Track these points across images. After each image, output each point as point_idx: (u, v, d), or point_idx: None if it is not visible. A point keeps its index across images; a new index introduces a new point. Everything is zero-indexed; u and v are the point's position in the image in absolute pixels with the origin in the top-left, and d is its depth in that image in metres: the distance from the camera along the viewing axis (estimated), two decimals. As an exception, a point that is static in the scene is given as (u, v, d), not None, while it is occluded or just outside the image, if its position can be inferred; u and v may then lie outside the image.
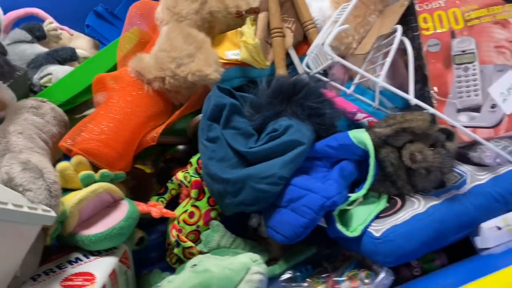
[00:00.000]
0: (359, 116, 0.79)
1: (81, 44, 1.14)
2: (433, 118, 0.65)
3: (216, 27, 0.87)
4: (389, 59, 0.67)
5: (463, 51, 0.73)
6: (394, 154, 0.68)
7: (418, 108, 0.68)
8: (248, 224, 0.75)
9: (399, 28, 0.71)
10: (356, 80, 0.80)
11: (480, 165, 0.72)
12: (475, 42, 0.73)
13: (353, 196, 0.69)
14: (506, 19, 0.73)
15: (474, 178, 0.71)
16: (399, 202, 0.70)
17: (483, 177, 0.71)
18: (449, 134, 0.67)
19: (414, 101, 0.67)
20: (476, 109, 0.73)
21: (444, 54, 0.73)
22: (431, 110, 0.67)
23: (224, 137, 0.71)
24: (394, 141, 0.67)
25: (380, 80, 0.66)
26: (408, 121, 0.66)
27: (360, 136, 0.69)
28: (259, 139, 0.73)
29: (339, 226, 0.66)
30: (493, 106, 0.72)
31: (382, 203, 0.70)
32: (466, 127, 0.72)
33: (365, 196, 0.71)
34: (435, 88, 0.73)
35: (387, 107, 0.84)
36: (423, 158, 0.65)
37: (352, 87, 0.76)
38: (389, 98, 0.84)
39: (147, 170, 0.93)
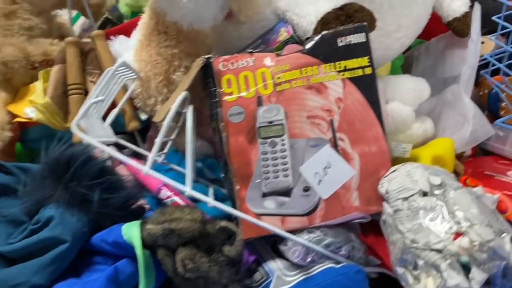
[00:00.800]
0: (163, 194, 0.66)
1: None
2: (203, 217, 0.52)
3: (14, 79, 0.73)
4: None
5: (270, 122, 0.60)
6: (169, 258, 0.54)
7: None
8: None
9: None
10: (165, 150, 0.67)
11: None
12: (284, 111, 0.60)
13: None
14: (321, 82, 0.60)
15: (280, 280, 0.58)
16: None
17: (292, 278, 0.58)
18: (231, 235, 0.53)
19: (188, 192, 0.53)
20: (286, 192, 0.59)
21: (248, 125, 0.60)
22: (218, 205, 0.54)
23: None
24: (165, 242, 0.54)
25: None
26: (175, 220, 0.52)
27: (130, 234, 0.56)
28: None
29: None
30: (306, 189, 0.59)
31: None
32: (273, 215, 0.58)
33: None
34: (235, 168, 0.60)
35: (208, 178, 0.71)
36: (194, 267, 0.52)
37: (149, 162, 0.62)
38: (209, 167, 0.70)
39: None
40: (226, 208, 0.54)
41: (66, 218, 0.57)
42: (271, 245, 0.63)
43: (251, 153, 0.60)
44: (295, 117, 0.60)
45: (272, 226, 0.58)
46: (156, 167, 0.71)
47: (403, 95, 0.70)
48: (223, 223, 0.53)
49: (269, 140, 0.60)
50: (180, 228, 0.51)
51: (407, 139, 0.72)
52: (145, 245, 0.53)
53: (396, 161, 0.70)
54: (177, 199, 0.65)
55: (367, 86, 0.60)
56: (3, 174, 0.64)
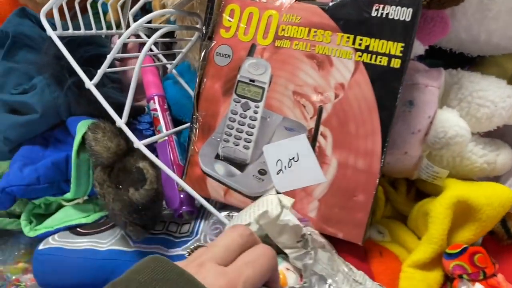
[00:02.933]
0: (151, 104, 0.63)
1: None
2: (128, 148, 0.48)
3: None
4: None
5: (252, 81, 0.49)
6: (101, 173, 0.53)
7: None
8: None
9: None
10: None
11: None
12: (270, 73, 0.47)
13: (66, 195, 0.58)
14: (328, 55, 0.45)
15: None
16: (109, 225, 0.57)
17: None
18: (144, 179, 0.49)
19: (119, 123, 0.49)
20: (240, 166, 0.50)
21: (230, 73, 0.50)
22: (142, 147, 0.48)
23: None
24: (91, 156, 0.52)
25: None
26: (95, 140, 0.50)
27: (78, 130, 0.56)
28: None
29: (22, 222, 0.58)
30: (262, 172, 0.49)
31: (91, 217, 0.58)
32: (219, 182, 0.51)
33: (90, 201, 0.60)
34: (201, 115, 0.52)
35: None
36: (101, 192, 0.50)
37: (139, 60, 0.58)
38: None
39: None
40: (151, 156, 0.48)
41: (45, 91, 0.59)
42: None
43: (221, 106, 0.50)
44: (279, 87, 0.47)
45: (214, 192, 0.51)
46: (169, 75, 0.66)
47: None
48: (142, 165, 0.48)
49: (243, 101, 0.49)
50: (95, 150, 0.48)
51: (457, 163, 0.53)
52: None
53: (423, 184, 0.53)
54: (159, 115, 0.60)
55: (386, 82, 0.43)
56: (33, 24, 0.66)
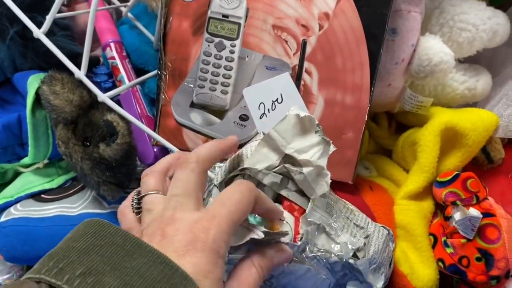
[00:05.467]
0: (108, 52, 0.56)
1: None
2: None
3: None
4: None
5: (225, 16, 0.44)
6: (64, 130, 0.47)
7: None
8: None
9: None
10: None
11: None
12: (246, 6, 0.43)
13: (24, 160, 0.52)
14: (309, -17, 0.40)
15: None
16: (77, 187, 0.52)
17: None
18: (115, 132, 0.44)
19: (78, 75, 0.43)
20: (219, 113, 0.47)
21: (199, 9, 0.45)
22: (107, 100, 0.43)
23: None
24: (49, 112, 0.47)
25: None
26: (54, 93, 0.43)
27: (30, 84, 0.49)
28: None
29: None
30: (244, 118, 0.46)
31: (55, 181, 0.53)
32: (197, 132, 0.47)
33: (51, 165, 0.54)
34: (170, 60, 0.47)
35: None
36: (67, 152, 0.45)
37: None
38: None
39: None
40: (119, 109, 0.43)
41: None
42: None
43: (192, 48, 0.45)
44: (257, 21, 0.43)
45: (192, 143, 0.47)
46: (123, 19, 0.60)
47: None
48: (111, 117, 0.43)
49: (217, 40, 0.44)
50: (55, 104, 0.43)
51: (438, 91, 0.51)
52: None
53: (403, 116, 0.52)
54: (118, 63, 0.54)
55: (373, 9, 0.40)
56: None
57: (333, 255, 0.32)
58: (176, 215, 0.27)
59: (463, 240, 0.43)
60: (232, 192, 0.28)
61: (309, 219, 0.33)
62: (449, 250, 0.44)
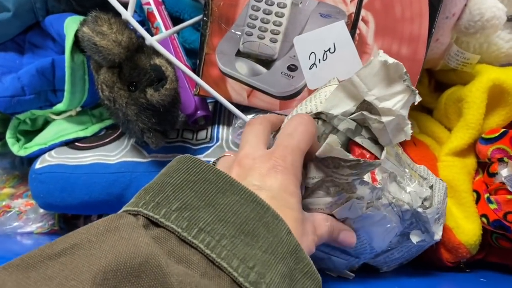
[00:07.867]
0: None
1: None
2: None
3: None
4: None
5: (280, -41, 0.42)
6: (109, 74, 0.45)
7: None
8: None
9: None
10: None
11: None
12: (303, -51, 0.41)
13: (57, 106, 0.50)
14: None
15: (219, 150, 0.49)
16: (113, 136, 0.51)
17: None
18: (164, 77, 0.42)
19: (125, 16, 0.41)
20: (266, 62, 0.45)
21: (251, -48, 0.42)
22: (155, 44, 0.41)
23: None
24: (92, 55, 0.44)
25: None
26: (100, 34, 0.41)
27: (68, 28, 0.47)
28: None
29: (8, 140, 0.50)
30: (292, 69, 0.45)
31: (90, 129, 0.52)
32: (242, 82, 0.46)
33: (84, 113, 0.53)
34: (216, 5, 0.45)
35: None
36: (111, 96, 0.43)
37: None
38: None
39: None
40: (166, 53, 0.41)
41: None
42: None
43: (241, -6, 0.44)
44: (315, -35, 0.41)
45: (235, 94, 0.46)
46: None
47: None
48: (159, 61, 0.42)
49: (269, -15, 0.43)
50: (101, 45, 0.41)
51: (483, 49, 0.50)
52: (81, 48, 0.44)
53: (443, 74, 0.51)
54: (154, 9, 0.52)
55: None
56: None
57: (404, 203, 0.32)
58: (248, 152, 0.30)
59: (509, 196, 0.43)
60: (296, 124, 0.31)
61: (383, 166, 0.32)
62: (492, 206, 0.44)
